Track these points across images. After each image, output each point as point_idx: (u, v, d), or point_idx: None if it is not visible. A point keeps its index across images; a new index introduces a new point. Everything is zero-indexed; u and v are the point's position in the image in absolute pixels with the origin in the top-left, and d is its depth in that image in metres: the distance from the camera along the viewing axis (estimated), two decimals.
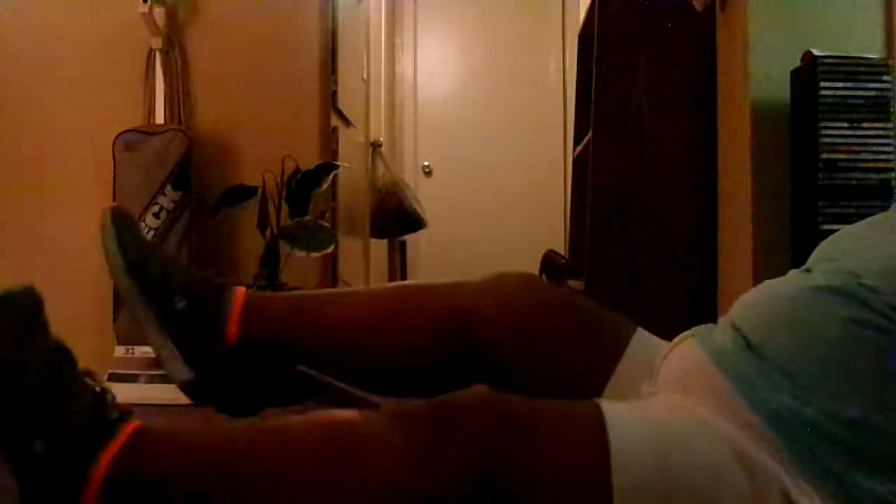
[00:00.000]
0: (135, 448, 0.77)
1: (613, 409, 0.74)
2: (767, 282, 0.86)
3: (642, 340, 0.93)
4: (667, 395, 0.80)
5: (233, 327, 0.98)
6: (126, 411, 0.81)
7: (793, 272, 0.86)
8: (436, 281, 1.04)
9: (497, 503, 0.69)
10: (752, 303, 0.84)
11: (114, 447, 0.76)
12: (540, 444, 0.71)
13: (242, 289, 1.02)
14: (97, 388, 0.82)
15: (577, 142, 3.02)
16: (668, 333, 0.90)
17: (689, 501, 0.69)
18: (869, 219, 0.88)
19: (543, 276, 3.43)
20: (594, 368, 0.90)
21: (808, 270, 0.84)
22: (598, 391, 0.89)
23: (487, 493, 0.69)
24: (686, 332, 0.87)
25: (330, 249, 2.66)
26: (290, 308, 1.03)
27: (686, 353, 0.83)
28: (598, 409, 0.74)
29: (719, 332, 0.82)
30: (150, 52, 2.83)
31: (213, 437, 0.81)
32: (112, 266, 0.99)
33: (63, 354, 0.83)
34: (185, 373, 0.97)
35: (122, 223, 1.01)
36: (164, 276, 0.99)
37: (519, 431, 0.71)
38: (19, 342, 0.80)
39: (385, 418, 0.77)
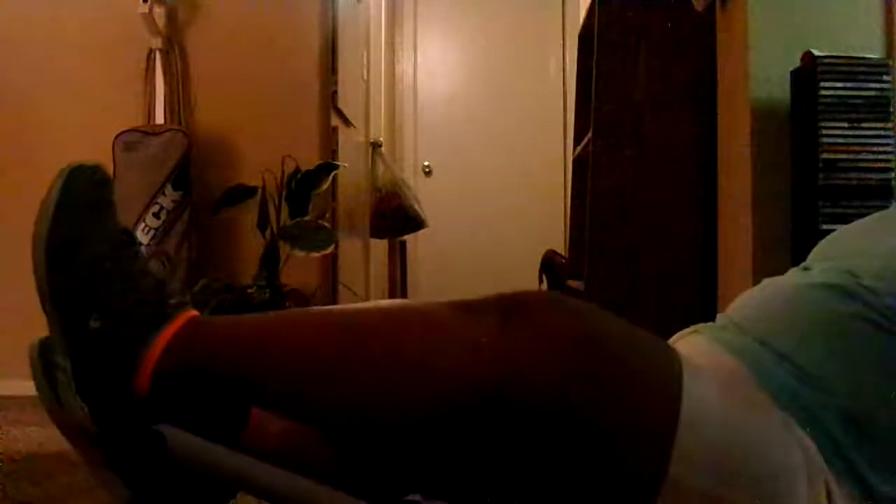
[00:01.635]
0: (190, 335, 0.73)
1: (688, 361, 0.69)
2: (767, 280, 0.87)
3: None
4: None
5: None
6: (184, 300, 0.77)
7: (792, 270, 0.86)
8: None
9: (561, 406, 0.62)
10: (751, 301, 0.84)
11: (169, 332, 0.73)
12: (617, 363, 0.64)
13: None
14: (158, 274, 0.78)
15: (577, 142, 3.02)
16: (668, 334, 0.90)
17: (753, 465, 0.65)
18: (867, 217, 0.89)
19: (543, 277, 3.43)
20: None
21: (806, 269, 0.84)
22: None
23: (553, 393, 0.62)
24: (686, 329, 0.87)
25: (330, 249, 2.66)
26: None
27: (693, 343, 0.83)
28: (676, 352, 0.69)
29: (721, 329, 0.82)
30: (150, 52, 2.83)
31: (272, 324, 0.76)
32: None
33: (126, 235, 0.80)
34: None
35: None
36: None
37: (597, 344, 0.64)
38: (85, 217, 0.77)
39: (453, 308, 0.69)
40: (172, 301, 0.76)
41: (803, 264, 0.86)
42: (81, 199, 0.77)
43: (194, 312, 0.76)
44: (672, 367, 0.66)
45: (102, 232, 0.77)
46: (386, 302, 1.05)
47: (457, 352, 0.65)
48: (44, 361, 0.74)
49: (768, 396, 0.71)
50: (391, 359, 0.67)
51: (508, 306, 0.67)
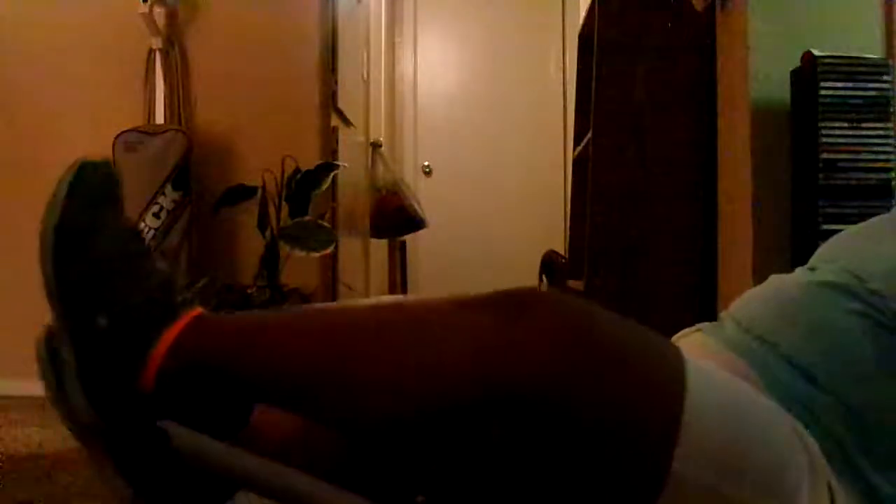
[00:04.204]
0: (196, 333, 0.73)
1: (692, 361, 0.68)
2: (772, 276, 0.86)
3: None
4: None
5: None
6: (190, 298, 0.77)
7: (797, 270, 0.86)
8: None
9: (556, 403, 0.61)
10: (754, 300, 0.84)
11: (174, 330, 0.73)
12: (618, 361, 0.64)
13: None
14: (164, 271, 0.78)
15: (577, 142, 3.02)
16: (668, 333, 0.90)
17: (756, 463, 0.64)
18: (872, 219, 0.89)
19: (543, 277, 3.43)
20: None
21: (812, 269, 0.84)
22: None
23: (555, 392, 0.62)
24: (689, 328, 0.87)
25: (330, 249, 2.66)
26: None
27: (695, 342, 0.83)
28: (679, 351, 0.69)
29: (724, 327, 0.82)
30: (150, 52, 2.83)
31: (275, 322, 0.76)
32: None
33: (134, 233, 0.80)
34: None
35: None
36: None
37: (598, 343, 0.64)
38: (92, 213, 0.76)
39: (454, 304, 0.69)
40: (179, 299, 0.76)
41: (808, 265, 0.86)
42: (90, 194, 0.77)
43: (199, 310, 0.76)
44: (674, 365, 0.66)
45: (111, 228, 0.77)
46: (388, 298, 1.05)
47: (457, 349, 0.65)
48: (51, 355, 0.74)
49: (772, 396, 0.71)
50: (392, 355, 0.67)
51: (509, 304, 0.66)
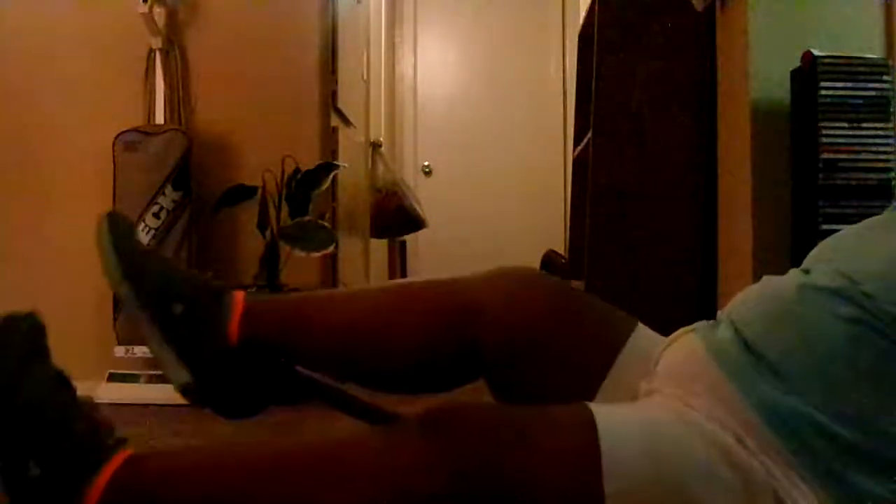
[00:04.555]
0: (128, 475, 0.78)
1: (605, 414, 0.74)
2: (766, 278, 0.87)
3: (642, 336, 0.93)
4: (662, 395, 0.80)
5: (233, 331, 0.96)
6: (121, 438, 0.82)
7: (792, 272, 0.86)
8: (437, 277, 1.03)
9: None
10: (750, 300, 0.84)
11: (106, 474, 0.77)
12: (530, 452, 0.72)
13: (241, 292, 1.01)
14: (94, 416, 0.83)
15: (577, 142, 3.02)
16: (667, 333, 0.90)
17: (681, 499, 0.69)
18: (868, 220, 0.88)
19: None
20: (593, 362, 0.91)
21: (806, 271, 0.84)
22: (597, 384, 0.89)
23: (480, 502, 0.70)
24: (686, 328, 0.87)
25: (330, 249, 2.65)
26: (291, 310, 1.02)
27: (686, 346, 0.83)
28: (588, 413, 0.74)
29: (718, 328, 0.83)
30: (150, 52, 2.83)
31: (205, 461, 0.83)
32: (109, 273, 0.97)
33: (61, 381, 0.84)
34: (184, 377, 0.95)
35: (118, 229, 0.99)
36: (162, 281, 0.98)
37: (508, 441, 0.72)
38: (19, 365, 0.81)
39: (376, 435, 0.78)
40: (109, 442, 0.81)
41: (802, 266, 0.86)
42: (15, 348, 0.82)
43: (129, 451, 0.81)
44: (588, 441, 0.71)
45: (37, 379, 0.81)
46: (395, 283, 1.15)
47: (382, 482, 0.73)
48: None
49: (748, 408, 0.73)
50: (318, 495, 0.75)
51: (431, 429, 0.74)
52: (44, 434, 0.78)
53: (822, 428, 0.70)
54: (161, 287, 0.97)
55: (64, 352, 0.93)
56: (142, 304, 0.96)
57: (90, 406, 0.84)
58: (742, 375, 0.75)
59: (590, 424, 0.72)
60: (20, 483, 0.76)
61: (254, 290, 2.65)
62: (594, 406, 0.76)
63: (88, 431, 0.80)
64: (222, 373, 0.96)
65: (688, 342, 0.84)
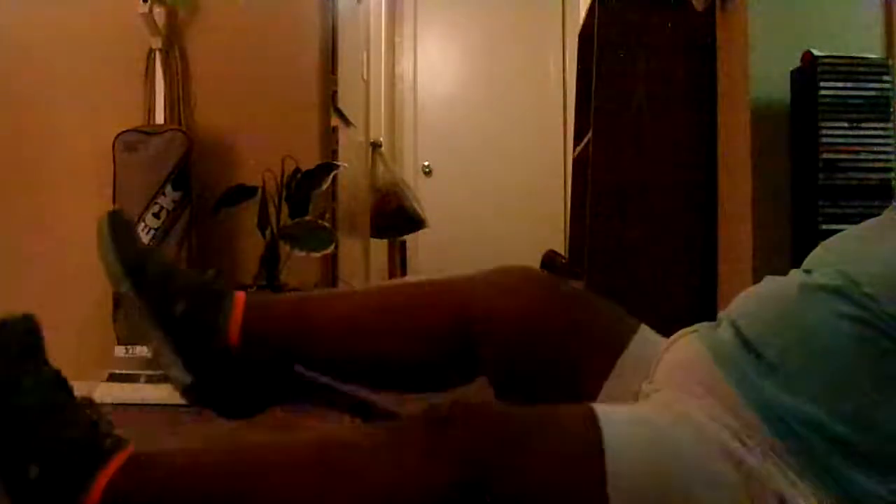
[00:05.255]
0: (127, 475, 0.77)
1: (608, 415, 0.74)
2: (767, 278, 0.87)
3: (645, 338, 0.92)
4: (663, 396, 0.80)
5: (234, 331, 0.96)
6: (121, 438, 0.82)
7: (793, 272, 0.86)
8: (436, 277, 1.03)
9: None
10: (750, 300, 0.84)
11: (106, 474, 0.77)
12: (534, 452, 0.71)
13: (242, 293, 1.00)
14: (93, 416, 0.83)
15: (577, 142, 3.02)
16: (667, 333, 0.90)
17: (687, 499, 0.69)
18: (868, 221, 0.88)
19: None
20: (595, 362, 0.90)
21: (807, 271, 0.84)
22: (598, 385, 0.89)
23: (483, 499, 0.70)
24: (687, 328, 0.87)
25: (330, 249, 2.65)
26: (292, 310, 1.02)
27: (687, 347, 0.83)
28: (593, 414, 0.74)
29: (719, 329, 0.83)
30: (150, 52, 2.83)
31: (206, 460, 0.82)
32: (110, 273, 0.97)
33: (59, 382, 0.84)
34: (184, 377, 0.95)
35: (119, 228, 0.99)
36: (163, 281, 0.97)
37: (512, 440, 0.72)
38: (16, 368, 0.81)
39: (380, 432, 0.78)
40: (109, 442, 0.80)
41: (803, 267, 0.86)
42: (13, 347, 0.82)
43: (130, 451, 0.80)
44: (591, 446, 0.71)
45: (34, 380, 0.82)
46: (398, 281, 1.15)
47: (385, 481, 0.73)
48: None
49: (748, 408, 0.73)
50: (321, 495, 0.74)
51: (433, 429, 0.73)
52: (42, 436, 0.78)
53: (821, 426, 0.70)
54: (163, 286, 0.97)
55: (64, 352, 0.93)
56: (143, 304, 0.96)
57: (89, 406, 0.84)
58: (741, 375, 0.75)
59: (594, 425, 0.72)
60: (21, 485, 0.76)
61: (254, 289, 2.65)
62: (598, 407, 0.76)
63: (87, 432, 0.80)
64: (222, 373, 0.96)
65: (688, 343, 0.84)
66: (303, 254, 2.60)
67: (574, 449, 0.72)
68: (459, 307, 0.95)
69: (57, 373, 0.85)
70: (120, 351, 2.58)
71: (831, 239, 0.89)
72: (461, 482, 0.70)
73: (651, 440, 0.73)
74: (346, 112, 3.32)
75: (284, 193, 2.70)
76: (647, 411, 0.78)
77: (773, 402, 0.72)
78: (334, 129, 3.06)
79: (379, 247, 4.46)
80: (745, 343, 0.77)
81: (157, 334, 0.96)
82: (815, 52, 1.82)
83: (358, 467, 0.75)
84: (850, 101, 1.79)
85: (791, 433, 0.71)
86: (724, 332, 0.81)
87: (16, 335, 0.84)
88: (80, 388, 0.86)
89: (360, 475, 0.74)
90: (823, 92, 1.79)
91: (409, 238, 4.84)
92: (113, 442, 0.81)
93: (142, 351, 2.52)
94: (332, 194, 3.00)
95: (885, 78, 1.81)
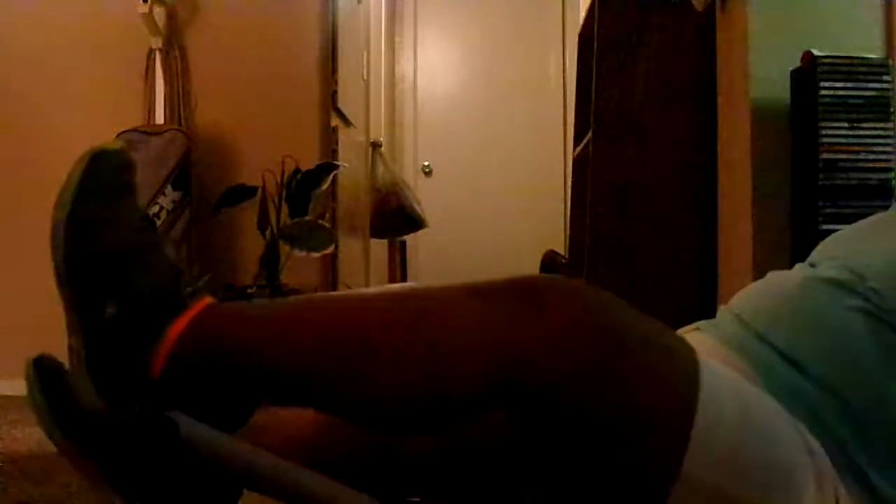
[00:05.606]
0: (206, 322, 0.73)
1: (706, 363, 0.69)
2: (770, 273, 0.87)
3: None
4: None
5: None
6: (201, 288, 0.77)
7: (797, 266, 0.86)
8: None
9: (571, 393, 0.62)
10: (753, 294, 0.84)
11: (184, 320, 0.72)
12: (639, 355, 0.64)
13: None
14: (176, 263, 0.78)
15: (577, 142, 3.02)
16: None
17: (763, 464, 0.65)
18: (872, 217, 0.89)
19: None
20: None
21: (812, 265, 0.84)
22: None
23: (567, 386, 0.62)
24: (688, 326, 0.87)
25: (330, 249, 2.66)
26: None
27: (696, 340, 0.83)
28: (692, 348, 0.69)
29: (723, 323, 0.82)
30: (150, 52, 2.83)
31: (284, 312, 0.76)
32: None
33: (146, 223, 0.79)
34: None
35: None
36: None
37: (612, 337, 0.64)
38: (108, 200, 0.76)
39: (471, 292, 0.69)
40: (189, 289, 0.76)
41: (808, 261, 0.86)
42: (105, 182, 0.76)
43: (209, 300, 0.75)
44: (689, 364, 0.66)
45: (124, 216, 0.76)
46: (397, 286, 1.07)
47: (469, 339, 0.64)
48: (39, 373, 0.73)
49: (771, 395, 0.71)
50: (403, 344, 0.67)
51: (523, 292, 0.66)
52: (123, 276, 0.73)
53: (840, 416, 0.70)
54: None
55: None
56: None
57: (170, 250, 0.79)
58: (761, 361, 0.75)
59: (693, 357, 0.67)
60: (95, 321, 0.72)
61: (254, 289, 2.65)
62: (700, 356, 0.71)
63: (170, 279, 0.75)
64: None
65: (696, 340, 0.83)
66: (303, 254, 2.60)
67: (674, 369, 0.66)
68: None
69: (146, 215, 0.79)
70: None
71: (836, 233, 0.89)
72: (553, 362, 0.62)
73: (737, 391, 0.69)
74: (346, 112, 3.32)
75: (284, 193, 2.70)
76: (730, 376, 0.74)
77: (791, 387, 0.72)
78: (334, 129, 3.06)
79: (379, 247, 4.46)
80: (756, 334, 0.77)
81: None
82: (815, 52, 1.82)
83: (457, 320, 0.67)
84: (850, 101, 1.79)
85: (815, 420, 0.70)
86: (730, 326, 0.81)
87: (108, 170, 0.77)
88: None
89: (446, 327, 0.66)
90: (823, 92, 1.79)
91: (409, 238, 4.84)
92: (194, 290, 0.76)
93: None
94: (332, 194, 3.01)
95: (885, 78, 1.81)
